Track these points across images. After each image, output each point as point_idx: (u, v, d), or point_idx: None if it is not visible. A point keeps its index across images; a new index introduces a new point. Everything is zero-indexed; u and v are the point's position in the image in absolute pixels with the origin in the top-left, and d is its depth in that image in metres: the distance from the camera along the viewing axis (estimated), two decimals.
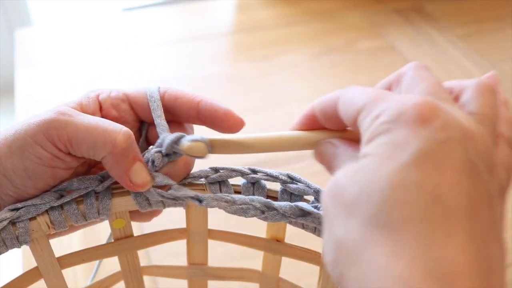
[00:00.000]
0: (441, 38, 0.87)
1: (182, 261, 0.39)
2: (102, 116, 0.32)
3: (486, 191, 0.21)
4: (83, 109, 0.31)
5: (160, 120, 0.31)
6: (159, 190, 0.31)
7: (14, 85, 0.74)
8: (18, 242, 0.31)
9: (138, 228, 0.53)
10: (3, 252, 0.31)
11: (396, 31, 0.88)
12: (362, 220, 0.20)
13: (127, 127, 0.30)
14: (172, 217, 0.39)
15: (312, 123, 0.29)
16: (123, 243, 0.35)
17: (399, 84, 0.26)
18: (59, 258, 0.34)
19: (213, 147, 0.29)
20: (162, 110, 0.32)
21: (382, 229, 0.19)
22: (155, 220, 0.36)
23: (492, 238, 0.20)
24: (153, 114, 0.31)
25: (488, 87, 0.26)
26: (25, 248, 0.32)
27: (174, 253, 0.51)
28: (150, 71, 0.78)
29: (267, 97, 0.73)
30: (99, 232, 0.54)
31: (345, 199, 0.21)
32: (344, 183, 0.21)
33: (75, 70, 0.78)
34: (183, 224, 0.36)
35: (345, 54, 0.83)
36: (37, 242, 0.33)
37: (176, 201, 0.32)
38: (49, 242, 0.33)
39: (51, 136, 0.29)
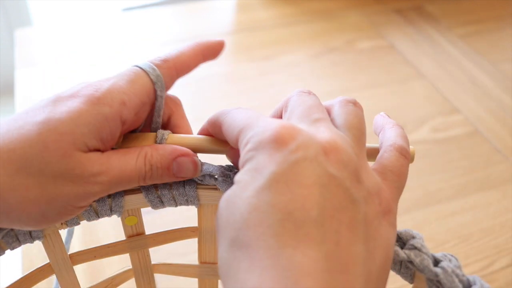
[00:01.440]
0: (441, 38, 0.87)
1: (184, 261, 0.39)
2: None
3: (347, 197, 0.23)
4: (104, 145, 0.29)
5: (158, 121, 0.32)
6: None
7: (14, 85, 0.74)
8: (31, 237, 0.31)
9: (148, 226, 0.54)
10: (16, 247, 0.31)
11: (396, 31, 0.88)
12: (228, 242, 0.22)
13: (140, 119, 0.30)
14: (177, 215, 0.39)
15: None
16: (135, 240, 0.36)
17: (286, 110, 0.28)
18: (71, 255, 0.35)
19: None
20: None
21: (241, 248, 0.22)
22: (164, 218, 0.36)
23: (351, 239, 0.22)
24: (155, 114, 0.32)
25: (350, 100, 0.28)
26: (25, 248, 0.32)
27: (175, 253, 0.51)
28: None
29: (267, 97, 0.73)
30: (98, 231, 0.54)
31: (220, 223, 0.23)
32: (221, 208, 0.24)
33: (75, 70, 0.78)
34: (190, 223, 0.36)
35: (345, 54, 0.83)
36: (50, 238, 0.33)
37: (188, 199, 0.32)
38: (61, 238, 0.33)
39: (93, 200, 0.29)
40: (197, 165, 0.30)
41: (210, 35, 0.86)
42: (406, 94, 0.75)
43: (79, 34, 0.86)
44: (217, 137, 0.30)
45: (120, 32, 0.87)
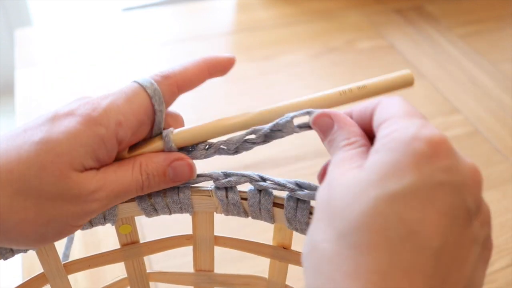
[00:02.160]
0: (441, 38, 0.87)
1: (183, 262, 0.39)
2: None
3: (470, 235, 0.21)
4: (101, 165, 0.29)
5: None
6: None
7: (14, 85, 0.74)
8: None
9: (142, 234, 0.53)
10: (9, 257, 0.31)
11: (396, 31, 0.88)
12: (337, 234, 0.21)
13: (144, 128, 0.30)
14: (177, 225, 0.38)
15: None
16: (129, 249, 0.35)
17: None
18: (65, 264, 0.34)
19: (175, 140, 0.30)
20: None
21: (351, 248, 0.20)
22: (160, 227, 0.36)
23: (457, 280, 0.21)
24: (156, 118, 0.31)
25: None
26: (26, 255, 0.32)
27: (176, 255, 0.51)
28: (150, 71, 0.77)
29: (267, 97, 0.73)
30: (98, 232, 0.54)
31: (331, 208, 0.22)
32: (336, 192, 0.22)
33: (75, 70, 0.78)
34: (188, 231, 0.36)
35: (345, 54, 0.83)
36: (43, 248, 0.33)
37: (182, 206, 0.32)
38: (55, 247, 0.33)
39: (91, 217, 0.29)
40: (192, 167, 0.30)
41: (210, 35, 0.86)
42: (406, 94, 0.75)
43: (79, 34, 0.86)
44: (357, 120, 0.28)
45: (120, 32, 0.87)
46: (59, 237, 0.28)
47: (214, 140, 0.31)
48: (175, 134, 0.30)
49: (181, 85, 0.31)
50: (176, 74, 0.30)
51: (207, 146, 0.31)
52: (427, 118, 0.24)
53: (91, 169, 0.28)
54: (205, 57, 0.31)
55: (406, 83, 0.31)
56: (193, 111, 0.62)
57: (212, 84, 0.75)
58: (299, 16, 0.92)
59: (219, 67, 0.31)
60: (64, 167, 0.26)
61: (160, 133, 0.31)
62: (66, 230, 0.28)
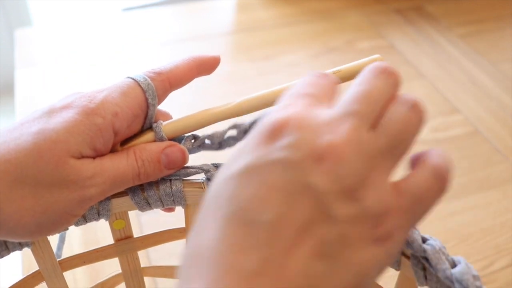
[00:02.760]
0: (441, 38, 0.87)
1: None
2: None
3: (320, 211, 0.20)
4: (97, 155, 0.29)
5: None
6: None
7: (14, 85, 0.74)
8: (20, 244, 0.31)
9: (138, 229, 0.53)
10: (5, 255, 0.31)
11: (396, 31, 0.88)
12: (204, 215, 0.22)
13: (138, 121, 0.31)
14: (171, 218, 0.39)
15: None
16: (123, 244, 0.35)
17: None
18: (60, 261, 0.35)
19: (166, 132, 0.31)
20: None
21: (194, 229, 0.22)
22: (154, 220, 0.36)
23: (306, 252, 0.20)
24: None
25: (410, 102, 0.24)
26: (25, 250, 0.32)
27: (174, 253, 0.51)
28: None
29: None
30: (97, 230, 0.54)
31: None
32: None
33: (75, 70, 0.78)
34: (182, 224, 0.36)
35: (345, 54, 0.83)
36: (38, 245, 0.33)
37: (175, 199, 0.32)
38: (50, 244, 0.33)
39: (88, 206, 0.29)
40: (184, 152, 0.31)
41: (210, 35, 0.86)
42: None
43: (79, 34, 0.86)
44: None
45: (120, 32, 0.87)
46: (55, 227, 0.28)
47: (200, 134, 0.32)
48: (165, 125, 0.32)
49: (173, 82, 0.32)
50: (168, 71, 0.32)
51: (193, 140, 0.32)
52: (324, 98, 0.24)
53: (88, 157, 0.28)
54: (193, 56, 0.33)
55: None
56: (193, 111, 0.62)
57: (212, 84, 0.76)
58: (299, 16, 0.92)
59: (206, 65, 0.33)
60: (61, 153, 0.27)
61: (151, 127, 0.32)
62: (64, 219, 0.28)
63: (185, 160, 0.31)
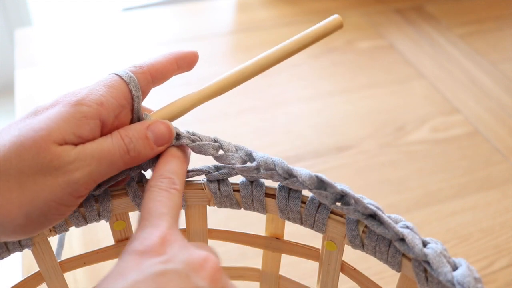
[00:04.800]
0: (441, 38, 0.87)
1: None
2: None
3: None
4: (83, 140, 0.29)
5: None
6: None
7: (14, 85, 0.74)
8: (20, 245, 0.31)
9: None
10: (6, 256, 0.31)
11: (396, 31, 0.88)
12: None
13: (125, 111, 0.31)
14: None
15: None
16: (123, 245, 0.35)
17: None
18: (60, 262, 0.34)
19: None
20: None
21: None
22: None
23: None
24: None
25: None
26: (26, 252, 0.32)
27: None
28: None
29: (268, 97, 0.73)
30: (97, 231, 0.54)
31: None
32: None
33: (75, 70, 0.78)
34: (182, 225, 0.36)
35: (345, 54, 0.83)
36: (39, 246, 0.33)
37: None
38: (50, 245, 0.33)
39: (79, 194, 0.29)
40: (169, 126, 0.31)
41: (210, 35, 0.86)
42: (406, 94, 0.75)
43: (79, 34, 0.86)
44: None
45: (120, 32, 0.87)
46: (47, 219, 0.28)
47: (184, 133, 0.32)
48: (152, 114, 0.32)
49: (154, 74, 0.33)
50: (148, 64, 0.33)
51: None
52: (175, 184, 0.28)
53: (72, 144, 0.28)
54: (171, 51, 0.34)
55: (336, 27, 0.35)
56: (193, 111, 0.62)
57: None
58: (299, 16, 0.92)
59: (186, 60, 0.34)
60: (42, 140, 0.27)
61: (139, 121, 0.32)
62: (53, 208, 0.27)
63: (171, 133, 0.31)
